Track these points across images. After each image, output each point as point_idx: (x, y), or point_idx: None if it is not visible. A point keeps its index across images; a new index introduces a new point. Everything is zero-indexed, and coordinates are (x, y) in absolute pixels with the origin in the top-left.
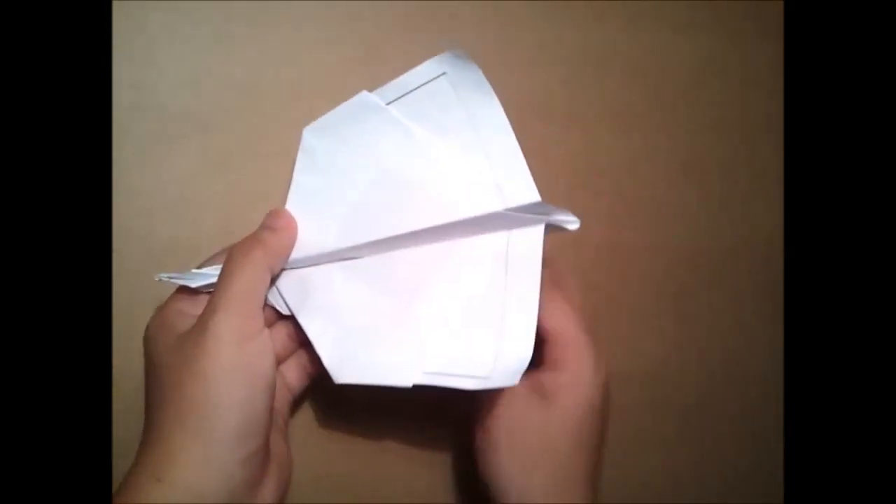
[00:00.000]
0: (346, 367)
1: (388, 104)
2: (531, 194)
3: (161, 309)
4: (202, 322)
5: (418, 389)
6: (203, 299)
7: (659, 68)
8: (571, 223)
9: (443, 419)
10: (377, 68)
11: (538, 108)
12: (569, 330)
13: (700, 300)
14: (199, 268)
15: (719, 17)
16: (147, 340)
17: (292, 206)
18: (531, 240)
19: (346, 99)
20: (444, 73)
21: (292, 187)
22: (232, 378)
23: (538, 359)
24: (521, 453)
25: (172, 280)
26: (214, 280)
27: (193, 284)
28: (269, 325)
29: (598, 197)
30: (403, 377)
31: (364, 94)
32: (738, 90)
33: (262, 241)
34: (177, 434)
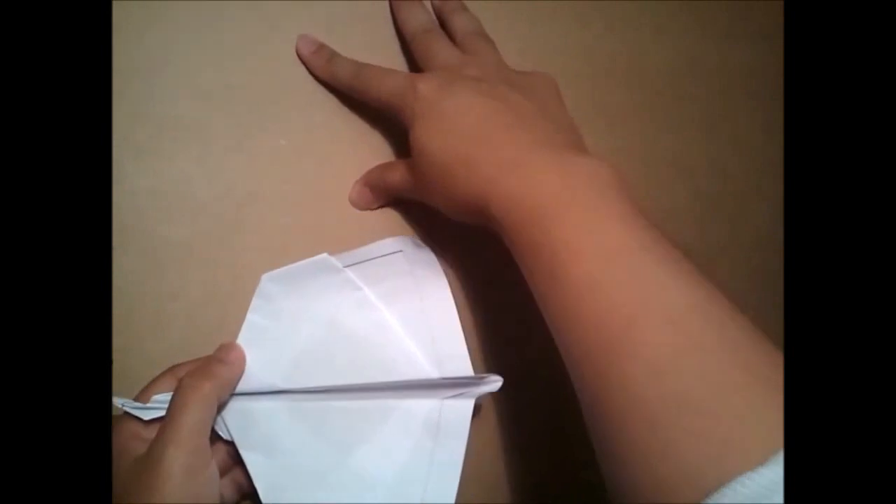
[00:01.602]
0: None
1: (345, 267)
2: (465, 369)
3: (116, 431)
4: (153, 455)
5: None
6: (155, 422)
7: (647, 69)
8: (495, 383)
9: None
10: None
11: None
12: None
13: None
14: (144, 394)
15: (707, 18)
16: (113, 457)
17: (243, 340)
18: (460, 415)
19: (341, 102)
20: (401, 251)
21: (245, 325)
22: None
23: None
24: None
25: (126, 409)
26: (164, 413)
27: (146, 417)
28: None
29: None
30: None
31: (325, 256)
32: (727, 90)
33: (213, 374)
34: None
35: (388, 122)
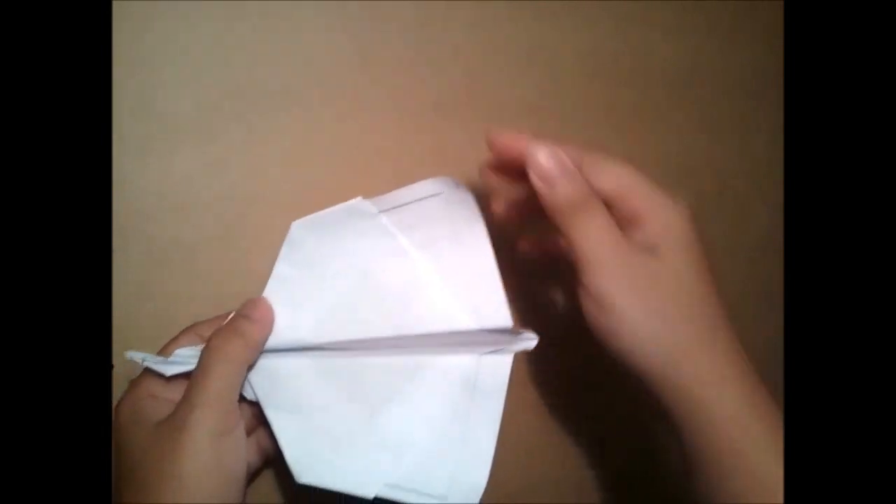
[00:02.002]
0: (309, 468)
1: (380, 212)
2: (504, 318)
3: (132, 393)
4: (178, 419)
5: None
6: (175, 381)
7: (651, 70)
8: (531, 341)
9: None
10: (374, 70)
11: (530, 110)
12: (630, 182)
13: None
14: (165, 350)
15: (711, 19)
16: (119, 430)
17: (270, 292)
18: (499, 371)
19: (341, 102)
20: (439, 194)
21: (273, 276)
22: (209, 478)
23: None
24: (648, 304)
25: (145, 363)
26: (189, 368)
27: (168, 373)
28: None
29: None
30: (366, 487)
31: (359, 200)
32: (731, 91)
33: (241, 333)
34: None
35: (391, 121)
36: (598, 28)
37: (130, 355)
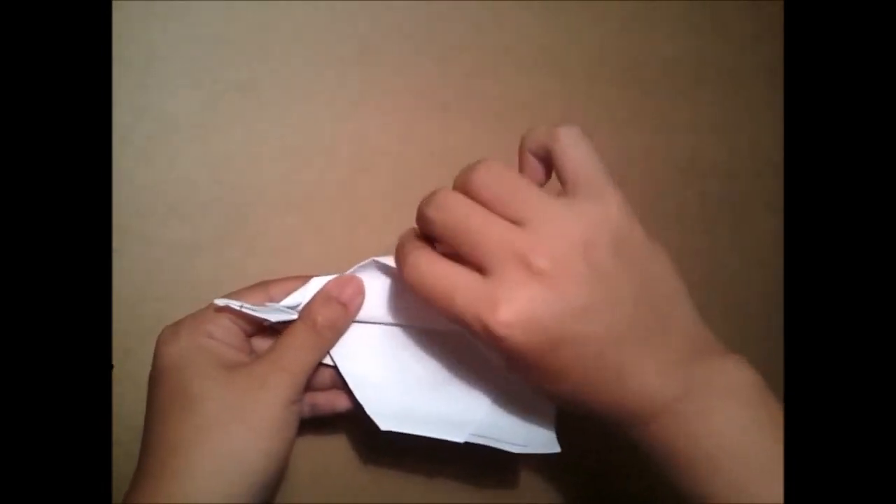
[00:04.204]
0: (391, 417)
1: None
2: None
3: (191, 328)
4: (261, 374)
5: (468, 446)
6: (236, 331)
7: (656, 69)
8: None
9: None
10: (373, 70)
11: (534, 109)
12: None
13: (698, 300)
14: (236, 296)
15: (715, 19)
16: (181, 359)
17: (356, 270)
18: None
19: (341, 102)
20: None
21: (363, 262)
22: (278, 433)
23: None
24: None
25: (243, 309)
26: (291, 317)
27: (273, 318)
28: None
29: None
30: (455, 432)
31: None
32: (736, 91)
33: (335, 317)
34: (213, 479)
35: (391, 121)
36: (601, 28)
37: (223, 302)
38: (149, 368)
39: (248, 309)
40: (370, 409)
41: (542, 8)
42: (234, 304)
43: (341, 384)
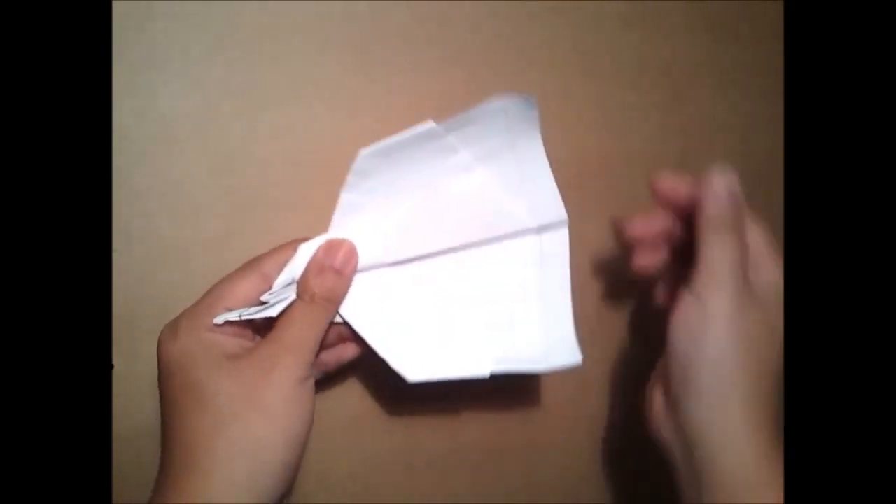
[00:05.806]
0: (416, 367)
1: (447, 132)
2: (557, 212)
3: (191, 324)
4: (268, 357)
5: (493, 377)
6: (239, 322)
7: (654, 69)
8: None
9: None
10: (373, 70)
11: None
12: (760, 238)
13: None
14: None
15: (714, 19)
16: (185, 357)
17: (338, 221)
18: (559, 240)
19: (341, 102)
20: (503, 108)
21: (339, 205)
22: (293, 413)
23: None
24: (735, 341)
25: (243, 317)
26: (291, 300)
27: (275, 313)
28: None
29: (592, 198)
30: (478, 368)
31: (430, 123)
32: (734, 91)
33: (330, 283)
34: (237, 472)
35: (391, 121)
36: (599, 28)
37: (222, 319)
38: (149, 368)
39: (249, 315)
40: (395, 364)
41: (541, 8)
42: (233, 316)
43: (348, 336)
